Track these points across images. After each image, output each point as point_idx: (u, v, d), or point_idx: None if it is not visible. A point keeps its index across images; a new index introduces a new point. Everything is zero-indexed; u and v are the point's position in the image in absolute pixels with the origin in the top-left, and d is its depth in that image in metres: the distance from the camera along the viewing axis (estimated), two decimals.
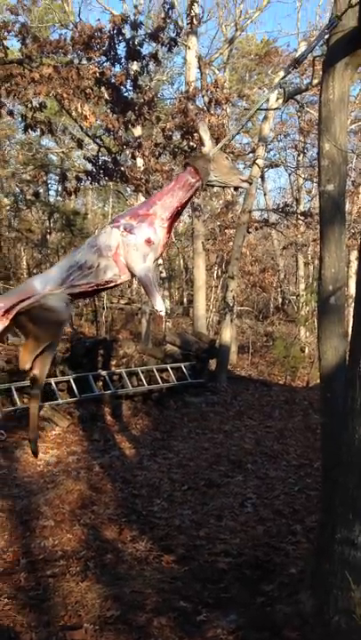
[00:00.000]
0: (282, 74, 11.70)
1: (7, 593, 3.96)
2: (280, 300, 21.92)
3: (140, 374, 9.85)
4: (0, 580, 4.16)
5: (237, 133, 17.08)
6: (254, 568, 4.40)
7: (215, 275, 19.17)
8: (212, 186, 3.52)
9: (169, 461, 7.12)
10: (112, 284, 3.38)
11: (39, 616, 3.66)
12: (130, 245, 3.24)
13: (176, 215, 3.38)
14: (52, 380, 8.96)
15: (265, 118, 12.13)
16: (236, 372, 14.04)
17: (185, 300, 24.09)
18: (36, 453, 3.40)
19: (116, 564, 4.47)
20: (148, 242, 3.24)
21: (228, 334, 11.91)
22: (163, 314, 3.38)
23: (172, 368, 10.38)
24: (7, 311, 3.14)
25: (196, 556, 4.63)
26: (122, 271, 3.28)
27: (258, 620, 3.68)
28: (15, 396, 8.43)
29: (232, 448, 7.67)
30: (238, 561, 4.51)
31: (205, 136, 3.37)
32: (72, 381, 9.10)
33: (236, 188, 3.71)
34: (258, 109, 4.24)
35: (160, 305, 3.23)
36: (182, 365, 10.52)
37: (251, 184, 3.69)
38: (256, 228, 13.37)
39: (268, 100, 10.66)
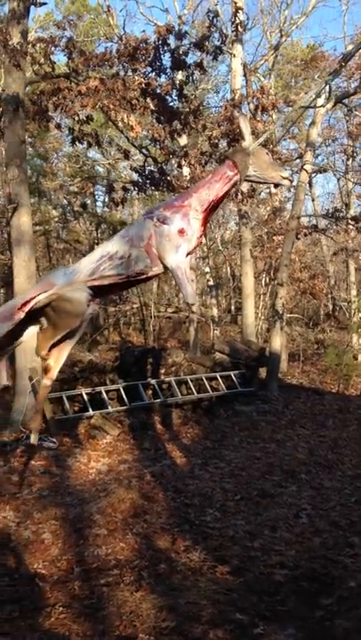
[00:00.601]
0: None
1: (62, 601, 3.96)
2: (331, 306, 21.52)
3: (190, 383, 9.81)
4: (55, 589, 4.16)
5: (283, 137, 16.94)
6: (312, 581, 4.27)
7: (263, 282, 19.00)
8: (251, 181, 3.45)
9: (221, 471, 7.03)
10: (143, 277, 3.32)
11: (94, 625, 3.64)
12: (162, 235, 3.16)
13: (212, 208, 3.30)
14: (102, 389, 9.03)
15: (313, 123, 11.95)
16: (287, 380, 13.82)
17: (233, 307, 23.96)
18: (32, 446, 3.40)
19: (170, 574, 4.42)
20: (181, 232, 3.16)
21: (278, 342, 11.75)
22: (195, 308, 3.30)
23: (221, 376, 10.31)
24: (24, 304, 3.14)
25: (251, 567, 4.53)
26: (153, 262, 3.21)
27: (317, 635, 3.56)
28: (66, 404, 8.52)
29: (285, 458, 7.52)
30: (295, 573, 4.39)
31: (246, 130, 3.30)
32: (122, 390, 9.15)
33: (276, 186, 3.62)
34: (306, 107, 4.16)
35: (192, 298, 3.16)
36: (232, 374, 10.43)
37: (292, 182, 3.61)
38: (305, 234, 13.17)
39: (315, 100, 10.52)
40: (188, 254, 3.26)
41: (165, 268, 3.21)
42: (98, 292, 3.38)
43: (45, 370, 3.32)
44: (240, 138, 3.42)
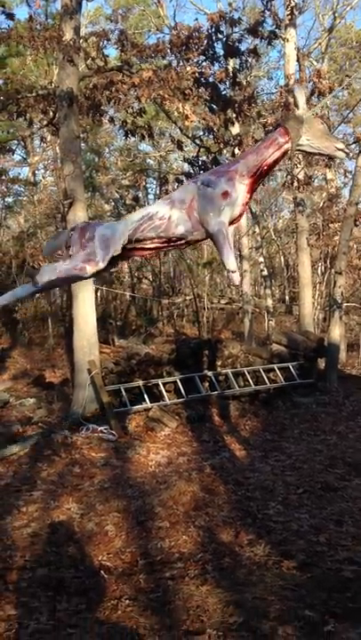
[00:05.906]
0: None
1: (128, 594, 3.95)
2: None
3: (247, 374, 9.71)
4: (120, 581, 4.17)
5: (340, 123, 16.48)
6: None
7: (319, 271, 18.61)
8: (304, 151, 3.29)
9: (281, 463, 6.92)
10: (183, 242, 3.23)
11: (161, 619, 3.62)
12: (205, 197, 3.08)
13: (260, 175, 3.18)
14: (160, 381, 9.03)
15: None
16: (347, 370, 13.50)
17: (287, 297, 23.62)
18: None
19: (234, 569, 4.35)
20: (225, 195, 3.06)
21: (337, 332, 11.47)
22: (235, 276, 3.16)
23: (279, 368, 10.15)
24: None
25: (318, 562, 4.41)
26: (195, 227, 3.13)
27: None
28: (125, 396, 8.56)
29: (348, 450, 7.33)
30: None
31: (301, 100, 3.16)
32: (179, 382, 9.12)
33: (331, 159, 3.49)
34: None
35: (232, 265, 3.04)
36: (290, 365, 10.26)
37: (348, 155, 3.40)
38: None
39: None
40: (231, 223, 3.16)
41: (207, 233, 3.10)
42: (134, 252, 3.33)
43: None
44: (295, 107, 3.29)
